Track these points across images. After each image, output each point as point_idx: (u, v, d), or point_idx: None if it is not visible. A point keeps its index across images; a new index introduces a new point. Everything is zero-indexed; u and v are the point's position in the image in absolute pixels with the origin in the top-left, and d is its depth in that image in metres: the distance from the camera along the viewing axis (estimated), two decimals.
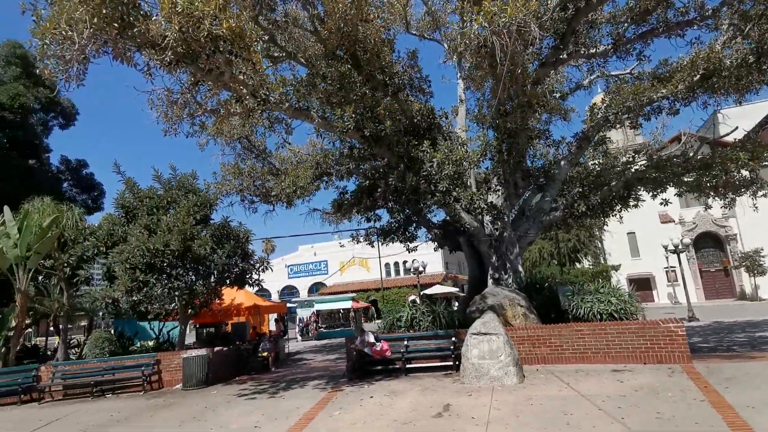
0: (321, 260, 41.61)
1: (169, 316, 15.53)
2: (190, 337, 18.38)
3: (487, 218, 14.54)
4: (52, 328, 18.62)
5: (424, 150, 10.82)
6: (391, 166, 11.46)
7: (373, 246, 18.03)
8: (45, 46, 7.42)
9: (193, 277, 12.11)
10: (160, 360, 11.02)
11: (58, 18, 6.80)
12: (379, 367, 10.03)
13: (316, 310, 25.42)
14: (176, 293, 11.50)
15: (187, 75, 10.06)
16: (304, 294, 39.70)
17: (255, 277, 14.78)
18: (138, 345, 14.15)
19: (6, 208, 11.54)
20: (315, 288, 41.26)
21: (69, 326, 13.48)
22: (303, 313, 25.59)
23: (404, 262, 39.54)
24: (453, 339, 9.75)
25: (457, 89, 16.46)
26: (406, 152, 11.42)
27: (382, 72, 12.19)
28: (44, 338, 20.60)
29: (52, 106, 16.84)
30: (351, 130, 10.32)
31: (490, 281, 13.78)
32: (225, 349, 12.21)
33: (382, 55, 10.86)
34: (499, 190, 14.73)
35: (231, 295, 16.38)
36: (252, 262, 14.50)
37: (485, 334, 8.32)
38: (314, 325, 24.81)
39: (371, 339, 10.10)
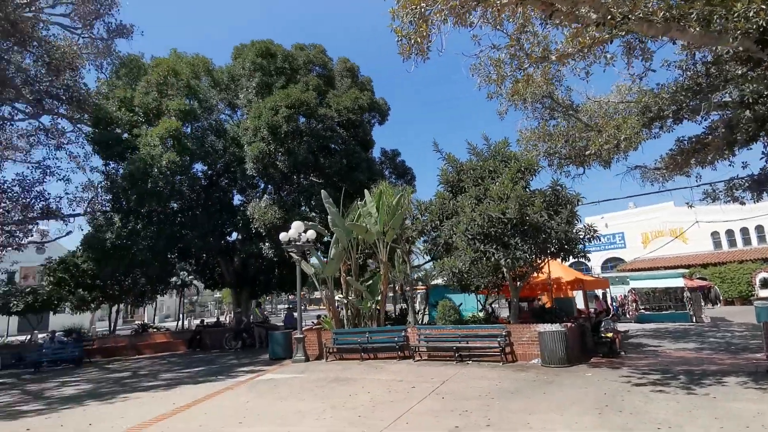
0: (615, 232, 36.12)
1: (485, 289, 15.62)
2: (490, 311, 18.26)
3: None
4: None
5: None
6: None
7: (743, 203, 13.33)
8: (403, 23, 7.76)
9: (528, 246, 11.31)
10: (511, 332, 10.64)
11: None
12: None
13: (633, 289, 21.57)
14: (517, 263, 10.99)
15: (516, 24, 9.16)
16: (596, 270, 35.36)
17: (580, 247, 13.00)
18: (470, 315, 14.61)
19: (366, 192, 13.61)
20: (610, 264, 36.23)
21: (416, 293, 15.01)
22: (615, 291, 22.20)
23: (742, 230, 30.04)
24: None
25: None
26: None
27: None
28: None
29: (373, 106, 19.48)
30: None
31: None
32: (573, 326, 10.95)
33: None
34: None
35: (545, 268, 15.09)
36: (575, 230, 12.71)
37: None
38: (633, 305, 21.10)
39: None
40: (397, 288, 16.18)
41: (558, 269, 16.12)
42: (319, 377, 9.99)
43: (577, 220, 11.94)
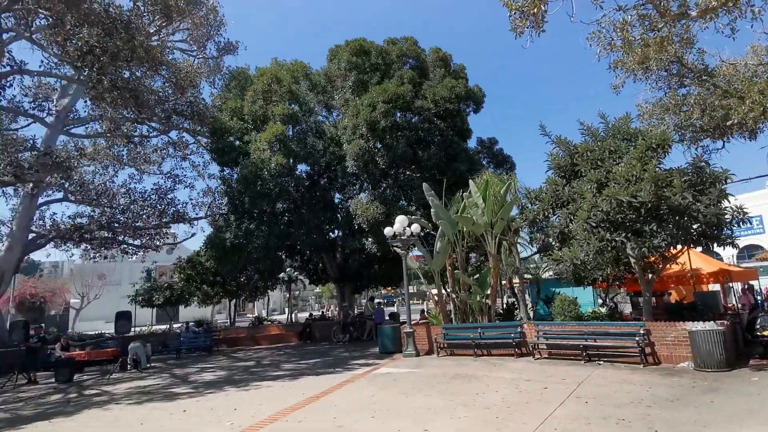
0: (752, 216, 30.94)
1: (604, 282, 14.18)
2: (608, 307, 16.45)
3: None
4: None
5: None
6: None
7: None
8: None
9: (668, 233, 9.95)
10: (650, 330, 9.45)
11: None
12: None
13: None
14: (655, 252, 9.79)
15: None
16: (732, 260, 30.62)
17: (727, 232, 11.24)
18: (590, 311, 13.39)
19: (471, 182, 13.11)
20: (747, 252, 31.21)
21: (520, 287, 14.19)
22: (764, 282, 18.98)
23: None
24: None
25: None
26: None
27: None
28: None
29: (468, 94, 18.79)
30: None
31: None
32: (729, 324, 9.41)
33: None
34: None
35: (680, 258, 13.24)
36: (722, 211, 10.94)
37: None
38: None
39: None
40: (504, 281, 15.40)
41: (695, 259, 14.14)
42: (436, 372, 9.78)
43: (728, 200, 10.24)
